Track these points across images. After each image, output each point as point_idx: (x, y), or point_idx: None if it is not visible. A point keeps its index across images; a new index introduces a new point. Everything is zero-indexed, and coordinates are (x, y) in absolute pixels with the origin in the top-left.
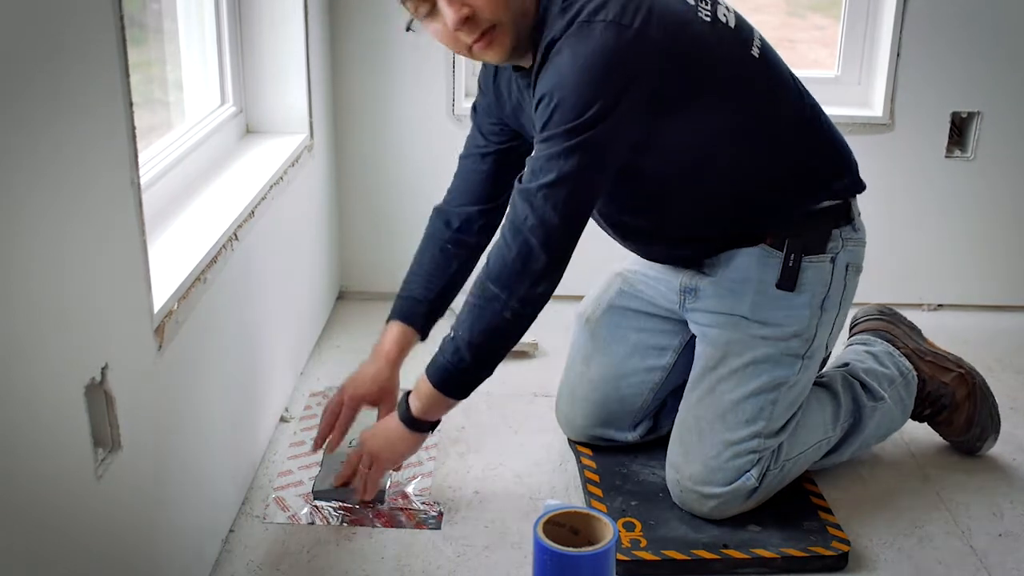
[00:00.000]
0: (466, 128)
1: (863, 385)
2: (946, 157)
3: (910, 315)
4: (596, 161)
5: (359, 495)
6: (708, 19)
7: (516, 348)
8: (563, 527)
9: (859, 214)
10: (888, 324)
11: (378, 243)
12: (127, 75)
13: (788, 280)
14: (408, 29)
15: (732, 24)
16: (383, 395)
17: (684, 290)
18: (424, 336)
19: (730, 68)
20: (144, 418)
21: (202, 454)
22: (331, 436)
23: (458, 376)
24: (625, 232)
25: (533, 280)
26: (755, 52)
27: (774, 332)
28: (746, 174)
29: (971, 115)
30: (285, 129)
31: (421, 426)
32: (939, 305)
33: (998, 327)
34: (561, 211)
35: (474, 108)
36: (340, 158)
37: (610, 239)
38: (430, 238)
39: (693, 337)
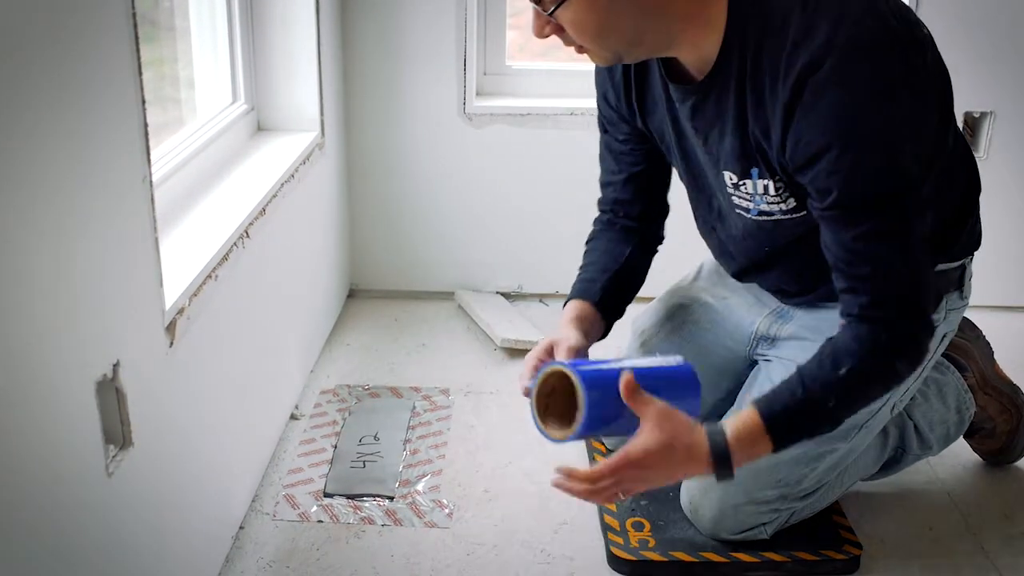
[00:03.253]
0: (476, 126)
1: (916, 429)
2: None
3: None
4: (919, 211)
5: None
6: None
7: (530, 346)
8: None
9: (971, 277)
10: (967, 343)
11: (388, 241)
12: (139, 72)
13: None
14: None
15: None
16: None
17: (759, 338)
18: (600, 308)
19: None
20: (155, 415)
21: (213, 451)
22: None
23: (802, 436)
24: (745, 269)
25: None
26: None
27: None
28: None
29: (983, 115)
30: (296, 127)
31: (726, 473)
32: None
33: (1009, 328)
34: (913, 280)
35: (601, 125)
36: (351, 156)
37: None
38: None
39: (738, 385)
